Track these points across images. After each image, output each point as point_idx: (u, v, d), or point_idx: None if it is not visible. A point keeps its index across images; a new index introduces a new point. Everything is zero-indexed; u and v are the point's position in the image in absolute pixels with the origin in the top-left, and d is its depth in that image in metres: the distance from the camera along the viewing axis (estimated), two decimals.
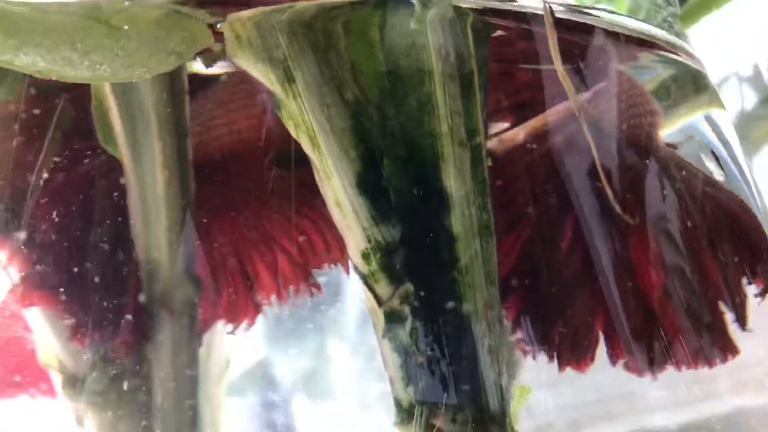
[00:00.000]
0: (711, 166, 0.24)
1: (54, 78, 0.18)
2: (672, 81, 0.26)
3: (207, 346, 0.26)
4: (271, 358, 0.25)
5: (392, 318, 0.21)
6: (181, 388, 0.25)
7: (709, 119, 0.26)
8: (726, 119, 0.26)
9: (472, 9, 0.20)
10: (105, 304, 0.24)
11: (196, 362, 0.25)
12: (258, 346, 0.27)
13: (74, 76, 0.17)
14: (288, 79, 0.20)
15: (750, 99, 0.61)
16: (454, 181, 0.20)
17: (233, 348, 0.26)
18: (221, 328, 0.26)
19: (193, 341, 0.25)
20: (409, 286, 0.21)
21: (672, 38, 0.25)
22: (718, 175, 0.24)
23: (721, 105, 0.26)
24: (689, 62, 0.26)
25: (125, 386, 0.25)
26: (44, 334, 0.25)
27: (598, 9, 0.25)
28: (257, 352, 0.26)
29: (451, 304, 0.21)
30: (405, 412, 0.21)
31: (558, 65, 0.19)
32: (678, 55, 0.25)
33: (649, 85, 0.25)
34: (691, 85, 0.26)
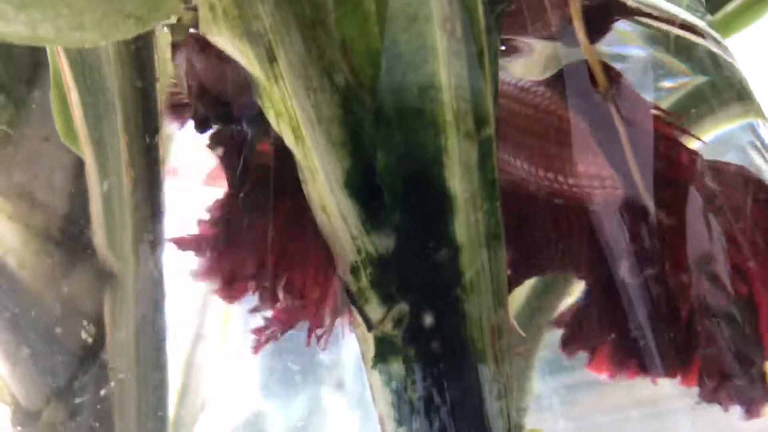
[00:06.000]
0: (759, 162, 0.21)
1: None
2: (709, 86, 0.23)
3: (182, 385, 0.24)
4: None
5: (384, 346, 0.18)
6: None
7: (751, 127, 0.23)
8: None
9: None
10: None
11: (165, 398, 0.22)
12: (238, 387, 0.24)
13: (10, 33, 0.15)
14: (269, 58, 0.17)
15: None
16: (459, 180, 0.17)
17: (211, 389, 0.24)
18: (197, 369, 0.23)
19: (161, 364, 0.22)
20: (403, 306, 0.18)
21: (717, 35, 0.22)
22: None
23: (763, 116, 0.24)
24: (732, 62, 0.23)
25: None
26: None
27: None
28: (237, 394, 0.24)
29: (452, 329, 0.18)
30: None
31: (580, 32, 0.16)
32: (721, 50, 0.22)
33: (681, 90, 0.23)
34: (731, 91, 0.23)
